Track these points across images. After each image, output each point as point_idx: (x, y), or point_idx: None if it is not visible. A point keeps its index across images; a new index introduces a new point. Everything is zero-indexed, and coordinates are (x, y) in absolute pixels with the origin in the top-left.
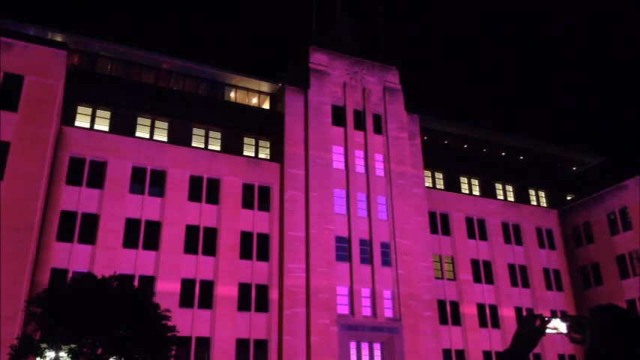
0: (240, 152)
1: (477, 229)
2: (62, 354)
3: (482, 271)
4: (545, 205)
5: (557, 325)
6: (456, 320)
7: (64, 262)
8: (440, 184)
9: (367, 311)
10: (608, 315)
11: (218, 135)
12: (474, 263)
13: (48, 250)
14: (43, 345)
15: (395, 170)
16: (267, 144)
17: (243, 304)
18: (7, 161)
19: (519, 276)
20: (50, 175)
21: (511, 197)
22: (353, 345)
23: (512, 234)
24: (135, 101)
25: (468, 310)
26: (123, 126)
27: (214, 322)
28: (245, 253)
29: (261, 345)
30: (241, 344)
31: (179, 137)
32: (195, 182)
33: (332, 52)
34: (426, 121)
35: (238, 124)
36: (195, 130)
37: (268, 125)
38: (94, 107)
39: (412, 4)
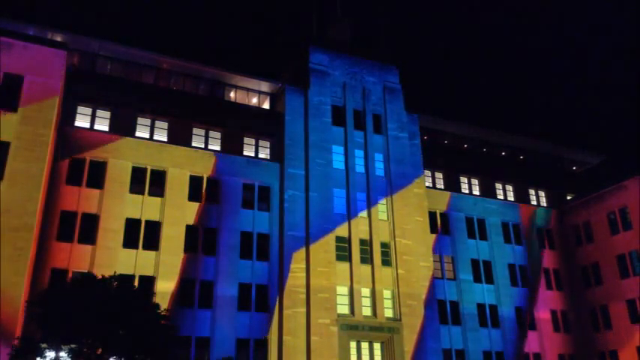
0: (240, 152)
1: (477, 229)
2: (62, 354)
3: (483, 271)
4: (545, 205)
5: None
6: (456, 320)
7: (64, 262)
8: (440, 184)
9: (367, 311)
10: None
11: (218, 135)
12: (474, 263)
13: (48, 250)
14: (43, 345)
15: (395, 170)
16: (267, 144)
17: (243, 304)
18: (7, 161)
19: (519, 276)
20: (50, 175)
21: (511, 197)
22: (353, 345)
23: (512, 234)
24: (135, 101)
25: (469, 310)
26: (123, 126)
27: (214, 322)
28: (245, 253)
29: (261, 345)
30: (241, 344)
31: (179, 137)
32: (195, 182)
33: (332, 52)
34: (426, 121)
35: (238, 124)
36: (195, 130)
37: (268, 125)
38: (94, 107)
39: (412, 4)
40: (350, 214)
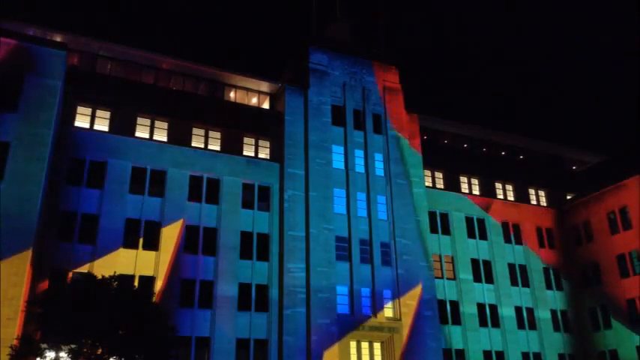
0: (240, 152)
1: (477, 228)
2: (62, 354)
3: (483, 271)
4: (545, 204)
5: None
6: (456, 320)
7: (64, 262)
8: (440, 184)
9: (367, 311)
10: None
11: (218, 135)
12: (474, 263)
13: (48, 250)
14: (43, 345)
15: (395, 170)
16: (267, 144)
17: (243, 304)
18: (7, 161)
19: (519, 275)
20: (50, 175)
21: (511, 197)
22: (353, 345)
23: (512, 234)
24: (135, 101)
25: (468, 310)
26: (123, 126)
27: (214, 322)
28: (245, 253)
29: (261, 345)
30: (241, 344)
31: (179, 137)
32: (195, 182)
33: (332, 51)
34: (426, 121)
35: (238, 124)
36: (195, 130)
37: (268, 125)
38: (94, 107)
39: (412, 4)
40: (350, 214)
